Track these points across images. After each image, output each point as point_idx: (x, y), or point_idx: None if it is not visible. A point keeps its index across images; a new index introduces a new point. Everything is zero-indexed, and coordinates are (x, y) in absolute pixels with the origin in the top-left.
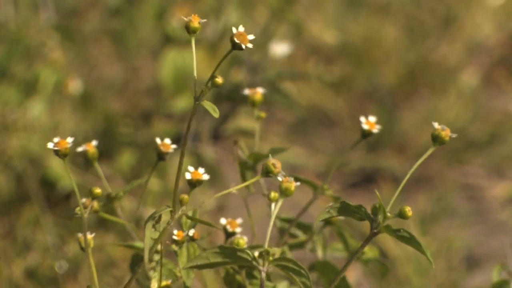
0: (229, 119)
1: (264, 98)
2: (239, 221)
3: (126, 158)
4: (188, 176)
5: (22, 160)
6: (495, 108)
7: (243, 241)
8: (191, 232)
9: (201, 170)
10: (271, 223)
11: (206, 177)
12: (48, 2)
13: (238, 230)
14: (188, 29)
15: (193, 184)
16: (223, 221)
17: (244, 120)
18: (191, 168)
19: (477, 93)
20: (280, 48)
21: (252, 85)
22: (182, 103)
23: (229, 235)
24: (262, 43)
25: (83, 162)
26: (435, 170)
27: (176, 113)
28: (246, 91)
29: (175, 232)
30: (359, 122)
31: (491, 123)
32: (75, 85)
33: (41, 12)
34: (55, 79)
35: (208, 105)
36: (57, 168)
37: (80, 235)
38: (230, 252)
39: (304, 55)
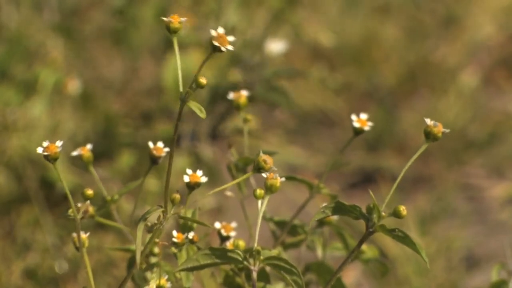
0: (227, 119)
1: (262, 97)
2: (233, 224)
3: (126, 159)
4: (186, 179)
5: (22, 160)
6: (495, 108)
7: (242, 242)
8: (191, 235)
9: (199, 173)
10: (259, 220)
11: (204, 179)
12: (50, 2)
13: (232, 234)
14: (169, 29)
15: (192, 186)
16: (217, 225)
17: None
18: (189, 171)
19: (477, 93)
20: (275, 46)
21: (250, 84)
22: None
23: (224, 239)
24: (261, 43)
25: (83, 163)
26: (435, 170)
27: (176, 114)
28: (231, 95)
29: (175, 234)
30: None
31: (491, 123)
32: (74, 85)
33: (43, 12)
34: (55, 79)
35: (194, 105)
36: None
37: (75, 235)
38: (220, 253)
39: (303, 54)
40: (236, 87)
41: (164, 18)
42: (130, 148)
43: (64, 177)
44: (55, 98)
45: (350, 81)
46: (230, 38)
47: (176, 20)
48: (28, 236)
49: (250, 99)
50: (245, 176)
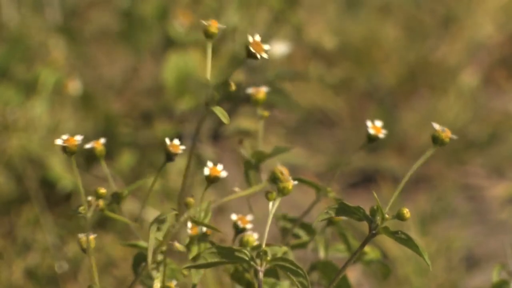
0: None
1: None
2: (249, 217)
3: (126, 159)
4: (206, 171)
5: (22, 160)
6: (495, 108)
7: (252, 238)
8: (204, 229)
9: (219, 167)
10: (269, 221)
11: (224, 174)
12: (51, 2)
13: (248, 226)
14: (207, 33)
15: (211, 180)
16: (233, 217)
17: (244, 120)
18: (210, 163)
19: (477, 93)
20: (279, 48)
21: (252, 85)
22: (185, 104)
23: (240, 231)
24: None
25: (83, 162)
26: (435, 170)
27: (176, 114)
28: (250, 90)
29: (189, 225)
30: (360, 123)
31: (491, 123)
32: (75, 85)
33: (45, 12)
34: (55, 79)
35: (219, 111)
36: (57, 168)
37: (80, 235)
38: (227, 252)
39: (304, 55)
40: (239, 88)
41: (203, 22)
42: (131, 148)
43: (64, 176)
44: (55, 98)
45: (350, 81)
46: (266, 47)
47: (214, 25)
48: (28, 236)
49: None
50: (260, 186)
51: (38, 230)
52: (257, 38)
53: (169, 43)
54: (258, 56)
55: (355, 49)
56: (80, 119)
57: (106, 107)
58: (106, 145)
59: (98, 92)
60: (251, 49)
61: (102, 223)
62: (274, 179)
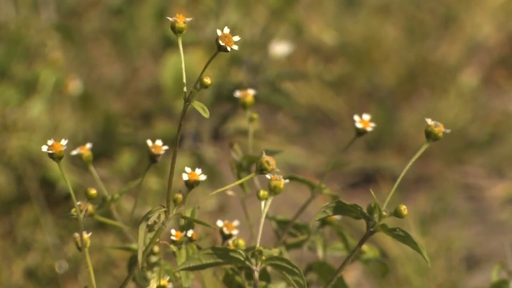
0: (230, 119)
1: (265, 98)
2: (235, 223)
3: (126, 158)
4: (185, 177)
5: (22, 160)
6: (495, 108)
7: (242, 242)
8: (190, 233)
9: (198, 171)
10: (262, 221)
11: (203, 177)
12: (48, 2)
13: (234, 232)
14: (174, 29)
15: (191, 185)
16: (219, 223)
17: (245, 120)
18: (188, 169)
19: (477, 93)
20: (280, 48)
21: (253, 85)
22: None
23: (226, 237)
24: (262, 43)
25: (83, 163)
26: (435, 170)
27: (176, 114)
28: (237, 93)
29: (173, 232)
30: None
31: (491, 123)
32: (75, 85)
33: (41, 12)
34: (55, 79)
35: (198, 105)
36: (57, 168)
37: (77, 235)
38: (222, 253)
39: (304, 54)
40: (239, 88)
41: (169, 18)
42: (130, 148)
43: (64, 176)
44: (55, 98)
45: (350, 81)
46: (236, 38)
47: (181, 19)
48: (29, 236)
49: (254, 99)
50: (247, 177)
51: (38, 230)
52: (226, 30)
53: (168, 43)
54: (228, 48)
55: (355, 48)
56: (80, 119)
57: (106, 107)
58: (106, 145)
59: (98, 92)
60: (220, 42)
61: (102, 223)
62: (261, 169)
